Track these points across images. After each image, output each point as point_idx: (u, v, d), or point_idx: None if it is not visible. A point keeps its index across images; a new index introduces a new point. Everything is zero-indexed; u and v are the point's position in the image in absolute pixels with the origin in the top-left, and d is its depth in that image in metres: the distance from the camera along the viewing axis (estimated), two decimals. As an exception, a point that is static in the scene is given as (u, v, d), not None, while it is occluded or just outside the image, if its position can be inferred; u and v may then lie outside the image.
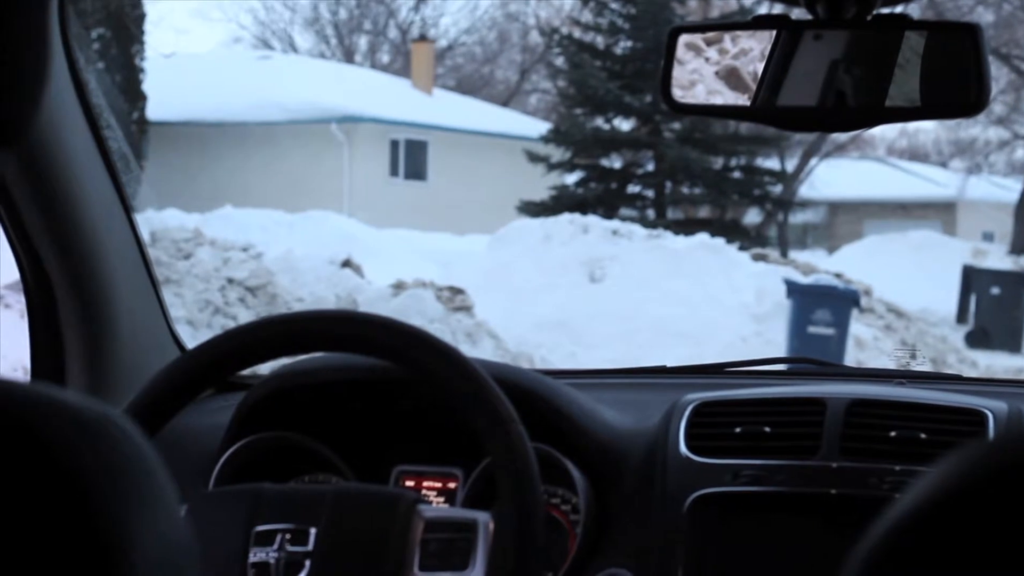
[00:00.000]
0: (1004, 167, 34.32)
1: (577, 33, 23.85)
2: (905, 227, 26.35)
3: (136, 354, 2.04)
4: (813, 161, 27.64)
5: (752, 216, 25.01)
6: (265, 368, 1.82)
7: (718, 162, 22.86)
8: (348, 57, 36.00)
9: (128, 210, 2.02)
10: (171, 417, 1.62)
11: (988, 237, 29.87)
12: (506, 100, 34.21)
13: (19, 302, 2.04)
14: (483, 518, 1.57)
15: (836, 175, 30.32)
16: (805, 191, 27.83)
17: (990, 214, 31.16)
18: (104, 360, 2.00)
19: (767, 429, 1.73)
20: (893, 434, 1.68)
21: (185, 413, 1.65)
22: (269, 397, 1.83)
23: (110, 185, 1.97)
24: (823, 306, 11.82)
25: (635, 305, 12.97)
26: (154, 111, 21.28)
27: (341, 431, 1.85)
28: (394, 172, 26.35)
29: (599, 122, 22.88)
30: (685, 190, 23.02)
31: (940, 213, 32.37)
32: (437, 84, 30.23)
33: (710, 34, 1.57)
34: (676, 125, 22.19)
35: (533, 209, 21.01)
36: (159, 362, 1.78)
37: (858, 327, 12.85)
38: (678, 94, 1.57)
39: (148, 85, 20.92)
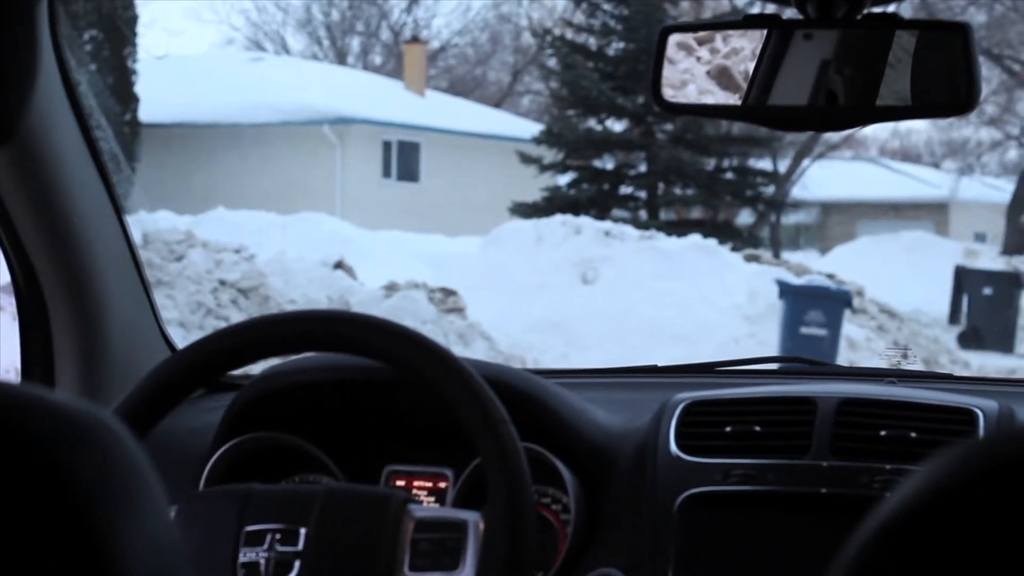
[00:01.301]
0: (996, 168, 34.39)
1: (569, 34, 23.83)
2: (897, 228, 26.35)
3: (127, 355, 2.03)
4: (805, 162, 27.66)
5: (745, 217, 25.01)
6: (256, 368, 1.81)
7: (710, 163, 22.86)
8: (340, 59, 35.96)
9: (119, 211, 2.01)
10: (161, 418, 1.62)
11: (980, 238, 29.88)
12: (498, 101, 34.19)
13: (11, 304, 2.04)
14: (473, 518, 1.57)
15: (828, 176, 30.35)
16: (797, 192, 27.85)
17: (982, 215, 31.16)
18: (95, 361, 1.99)
19: (757, 428, 1.73)
20: (883, 433, 1.68)
21: (176, 413, 1.65)
22: (260, 397, 1.83)
23: (100, 186, 1.97)
24: (815, 307, 11.82)
25: (628, 306, 12.98)
26: (146, 113, 21.28)
27: (331, 431, 1.85)
28: (387, 174, 26.33)
29: (591, 123, 22.86)
30: (677, 191, 23.01)
31: (932, 214, 32.38)
32: (429, 85, 30.21)
33: (701, 34, 1.57)
34: (668, 126, 22.18)
35: (525, 210, 20.99)
36: (150, 363, 1.78)
37: (850, 328, 12.86)
38: (669, 94, 1.57)
39: (140, 87, 20.93)
